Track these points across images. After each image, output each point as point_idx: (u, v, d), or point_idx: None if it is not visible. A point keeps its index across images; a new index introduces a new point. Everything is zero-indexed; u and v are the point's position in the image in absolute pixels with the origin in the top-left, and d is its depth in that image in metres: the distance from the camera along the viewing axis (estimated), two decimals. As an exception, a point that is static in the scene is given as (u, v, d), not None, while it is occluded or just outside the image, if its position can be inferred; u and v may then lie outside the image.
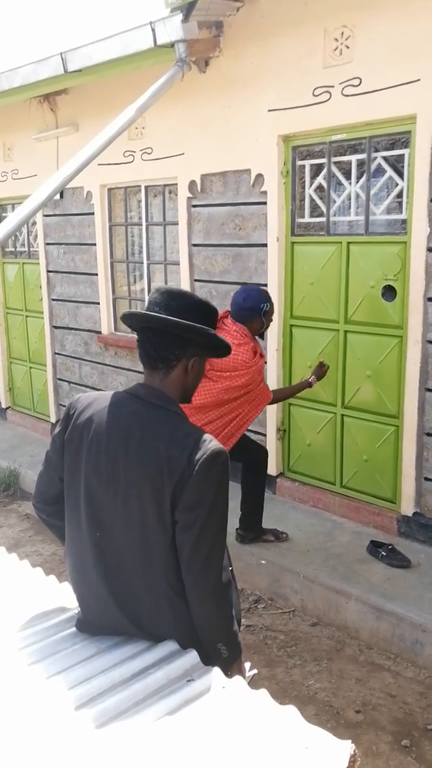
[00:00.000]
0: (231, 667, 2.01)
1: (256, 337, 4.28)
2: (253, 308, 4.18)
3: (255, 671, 2.39)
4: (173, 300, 2.01)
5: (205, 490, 1.86)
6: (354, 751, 1.49)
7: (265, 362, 4.53)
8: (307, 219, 5.03)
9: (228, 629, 1.99)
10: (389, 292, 4.55)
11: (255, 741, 1.52)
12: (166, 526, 1.88)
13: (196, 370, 2.06)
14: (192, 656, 1.85)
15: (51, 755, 1.46)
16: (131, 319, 2.05)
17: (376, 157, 4.49)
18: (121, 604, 1.96)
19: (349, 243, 4.71)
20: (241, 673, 2.07)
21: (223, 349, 2.12)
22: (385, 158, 4.47)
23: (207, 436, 1.91)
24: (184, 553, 1.88)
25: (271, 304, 4.25)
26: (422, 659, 3.69)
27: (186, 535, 1.87)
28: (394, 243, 4.47)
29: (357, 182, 4.65)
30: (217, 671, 1.80)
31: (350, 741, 1.51)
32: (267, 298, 4.23)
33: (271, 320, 4.33)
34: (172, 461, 1.85)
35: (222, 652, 1.98)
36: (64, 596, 2.23)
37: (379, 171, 4.53)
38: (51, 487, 2.13)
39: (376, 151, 4.48)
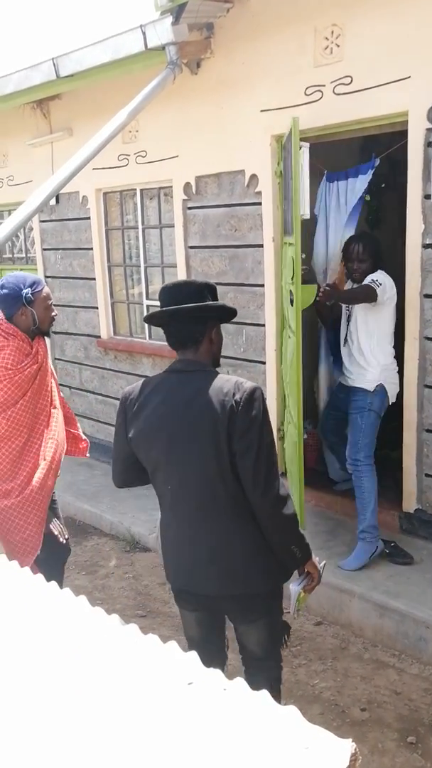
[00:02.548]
0: (305, 565, 2.53)
1: (44, 337, 3.49)
2: (12, 296, 3.26)
3: (325, 561, 2.73)
4: (180, 291, 2.45)
5: (253, 418, 2.27)
6: (355, 749, 1.48)
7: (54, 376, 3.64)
8: (302, 218, 5.03)
9: (297, 530, 2.42)
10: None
11: (255, 742, 1.51)
12: (224, 462, 2.29)
13: (219, 337, 2.51)
14: (192, 657, 1.85)
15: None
16: (155, 318, 2.48)
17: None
18: (193, 545, 2.44)
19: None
20: (315, 566, 2.57)
21: (233, 313, 2.52)
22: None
23: (242, 379, 2.37)
24: (248, 473, 2.28)
25: (42, 289, 3.33)
26: (427, 656, 3.69)
27: (247, 458, 2.27)
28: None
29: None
30: (218, 673, 1.80)
31: (351, 739, 1.51)
32: (33, 282, 3.32)
33: (51, 311, 3.41)
34: (221, 404, 2.27)
35: (296, 552, 2.43)
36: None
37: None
38: (118, 465, 2.61)
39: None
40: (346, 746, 1.49)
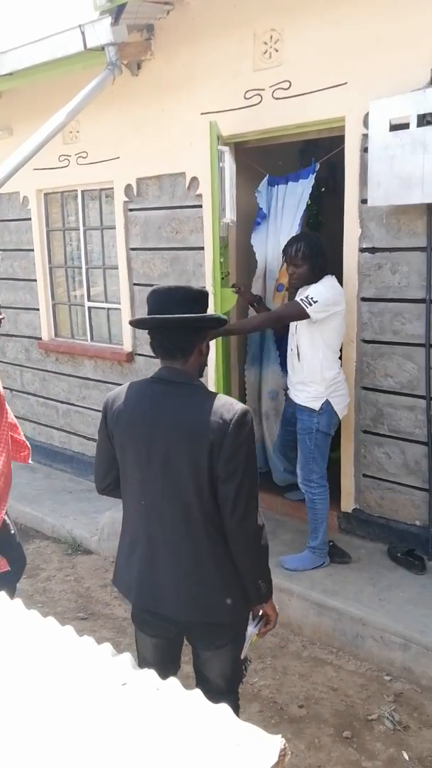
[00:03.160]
0: (267, 601, 2.44)
1: None
2: None
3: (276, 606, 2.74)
4: (173, 296, 2.26)
5: (241, 444, 2.15)
6: (284, 745, 1.51)
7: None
8: (242, 221, 5.07)
9: (266, 567, 2.35)
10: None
11: (188, 740, 1.53)
12: (204, 484, 2.17)
13: (207, 348, 2.38)
14: (126, 658, 1.85)
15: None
16: (145, 324, 2.32)
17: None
18: (163, 567, 2.30)
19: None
20: (273, 609, 2.51)
21: (224, 323, 2.39)
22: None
23: (231, 399, 2.24)
24: (228, 500, 2.16)
25: None
26: (363, 652, 3.75)
27: (229, 484, 2.15)
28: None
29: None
30: (151, 674, 1.81)
31: (280, 736, 1.54)
32: None
33: None
34: (209, 425, 2.14)
35: (261, 588, 2.35)
36: None
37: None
38: (100, 469, 2.49)
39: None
40: (276, 742, 1.52)
